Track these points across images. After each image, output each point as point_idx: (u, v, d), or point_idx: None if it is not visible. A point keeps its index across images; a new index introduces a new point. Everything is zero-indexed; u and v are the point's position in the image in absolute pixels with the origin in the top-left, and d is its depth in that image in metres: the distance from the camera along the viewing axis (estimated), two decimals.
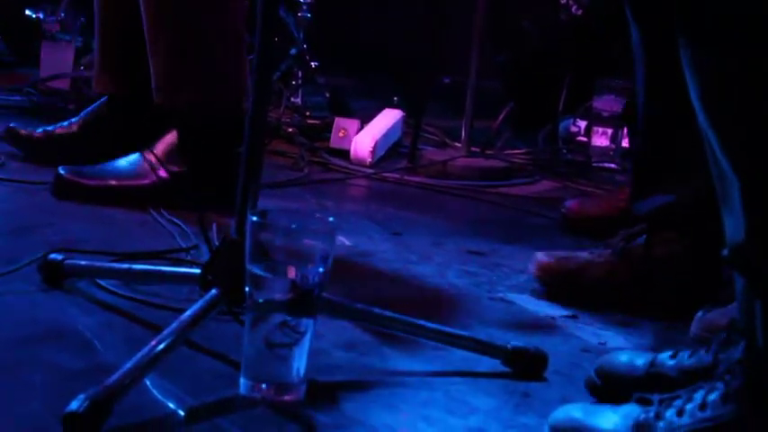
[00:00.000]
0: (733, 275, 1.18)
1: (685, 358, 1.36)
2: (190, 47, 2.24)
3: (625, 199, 2.39)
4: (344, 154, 3.03)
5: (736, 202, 1.11)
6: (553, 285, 1.95)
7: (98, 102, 2.50)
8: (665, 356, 1.40)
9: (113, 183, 2.23)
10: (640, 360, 1.42)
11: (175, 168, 2.24)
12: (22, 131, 2.51)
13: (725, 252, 1.16)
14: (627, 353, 1.48)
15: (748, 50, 1.08)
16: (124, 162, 2.26)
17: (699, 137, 1.17)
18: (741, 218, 1.11)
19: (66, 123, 2.50)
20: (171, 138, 2.26)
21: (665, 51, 1.87)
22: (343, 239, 2.12)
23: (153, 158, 2.24)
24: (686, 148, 1.92)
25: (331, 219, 1.37)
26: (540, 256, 1.98)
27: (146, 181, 2.24)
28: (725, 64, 1.09)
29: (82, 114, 2.50)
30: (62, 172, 2.22)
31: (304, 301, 1.30)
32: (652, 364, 1.40)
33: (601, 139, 3.21)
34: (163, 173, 2.24)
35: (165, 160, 2.24)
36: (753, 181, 1.10)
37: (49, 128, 2.51)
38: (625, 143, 3.15)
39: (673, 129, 1.94)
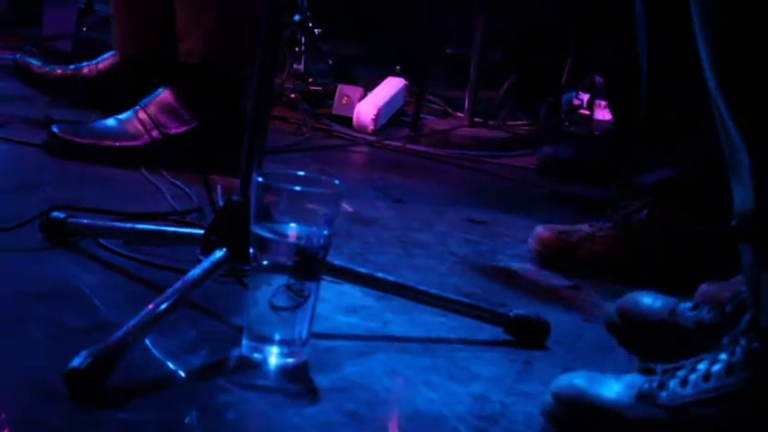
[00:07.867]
0: (739, 247, 1.18)
1: (704, 312, 1.37)
2: (239, 7, 2.20)
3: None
4: (347, 121, 3.02)
5: (746, 172, 1.11)
6: (553, 259, 1.95)
7: (111, 52, 2.53)
8: (685, 307, 1.40)
9: (107, 143, 2.21)
10: (662, 304, 1.42)
11: (172, 129, 2.22)
12: (34, 66, 2.53)
13: (733, 222, 1.16)
14: (650, 295, 1.47)
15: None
16: (117, 121, 2.24)
17: (701, 110, 1.17)
18: (750, 187, 1.11)
19: (84, 64, 2.55)
20: (166, 97, 2.23)
21: (669, 24, 1.87)
22: (345, 206, 2.11)
23: (146, 118, 2.22)
24: (689, 122, 1.92)
25: (336, 182, 1.36)
26: (541, 230, 1.98)
27: (138, 142, 2.22)
28: (732, 18, 1.08)
29: (99, 59, 2.54)
30: (56, 130, 2.20)
31: (308, 265, 1.29)
32: (672, 311, 1.40)
33: (603, 113, 3.20)
34: (156, 133, 2.22)
35: (160, 121, 2.22)
36: (763, 150, 1.09)
37: (68, 67, 2.56)
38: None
39: (675, 103, 1.93)
